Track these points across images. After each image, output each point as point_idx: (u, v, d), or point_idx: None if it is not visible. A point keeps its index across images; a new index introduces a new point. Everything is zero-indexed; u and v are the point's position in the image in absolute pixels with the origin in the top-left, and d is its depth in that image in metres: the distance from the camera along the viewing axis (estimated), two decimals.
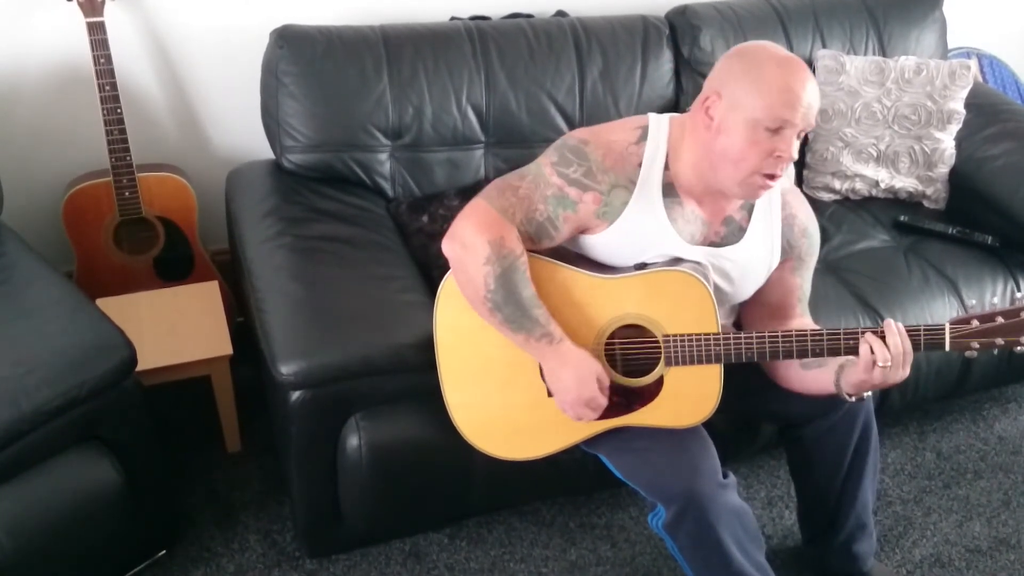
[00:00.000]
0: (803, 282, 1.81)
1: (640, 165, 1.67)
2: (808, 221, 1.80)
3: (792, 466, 2.01)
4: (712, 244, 1.72)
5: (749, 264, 1.74)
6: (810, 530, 2.05)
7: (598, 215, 1.67)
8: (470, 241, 1.62)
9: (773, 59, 1.57)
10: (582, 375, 1.65)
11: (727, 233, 1.73)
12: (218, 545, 2.07)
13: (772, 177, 1.59)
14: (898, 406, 2.28)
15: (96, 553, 1.81)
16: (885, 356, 1.58)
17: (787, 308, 1.81)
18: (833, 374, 1.67)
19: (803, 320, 1.82)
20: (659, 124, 1.70)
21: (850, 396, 1.67)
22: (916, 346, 1.61)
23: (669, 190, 1.68)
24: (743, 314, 1.87)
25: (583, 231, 1.70)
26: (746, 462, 2.35)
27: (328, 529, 1.97)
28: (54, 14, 2.21)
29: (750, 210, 1.74)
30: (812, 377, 1.72)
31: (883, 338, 1.59)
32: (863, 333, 1.61)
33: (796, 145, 1.59)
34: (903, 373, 1.60)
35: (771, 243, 1.75)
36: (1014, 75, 3.21)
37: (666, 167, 1.68)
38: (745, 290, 1.78)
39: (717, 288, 1.72)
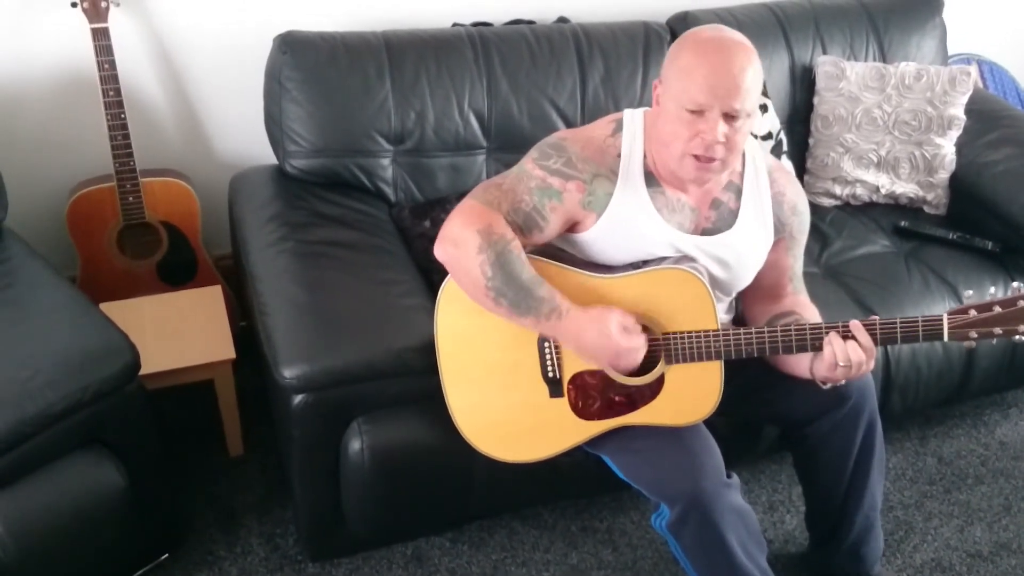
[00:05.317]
0: (795, 261, 1.83)
1: (619, 156, 1.69)
2: (797, 198, 1.80)
3: (798, 468, 2.00)
4: (705, 232, 1.73)
5: (746, 248, 1.75)
6: (818, 533, 2.04)
7: (584, 204, 1.68)
8: (460, 236, 1.64)
9: (698, 43, 1.59)
10: (603, 329, 1.62)
11: (718, 218, 1.73)
12: (221, 549, 2.08)
13: (707, 160, 1.60)
14: (899, 411, 2.28)
15: (99, 556, 1.81)
16: (846, 358, 1.60)
17: (780, 288, 1.83)
18: (808, 360, 1.69)
19: (796, 299, 1.83)
20: (633, 116, 1.73)
21: (823, 384, 1.69)
22: (915, 337, 1.63)
23: (651, 180, 1.70)
24: (741, 300, 1.88)
25: (574, 226, 1.71)
26: (747, 466, 2.35)
27: (330, 533, 1.97)
28: (58, 20, 2.22)
29: (738, 191, 1.75)
30: (794, 360, 1.73)
31: (850, 337, 1.62)
32: (827, 332, 1.62)
33: (728, 128, 1.57)
34: (866, 370, 1.62)
35: (764, 222, 1.76)
36: (1014, 81, 3.21)
37: (645, 157, 1.70)
38: (743, 276, 1.78)
39: (713, 277, 1.72)
